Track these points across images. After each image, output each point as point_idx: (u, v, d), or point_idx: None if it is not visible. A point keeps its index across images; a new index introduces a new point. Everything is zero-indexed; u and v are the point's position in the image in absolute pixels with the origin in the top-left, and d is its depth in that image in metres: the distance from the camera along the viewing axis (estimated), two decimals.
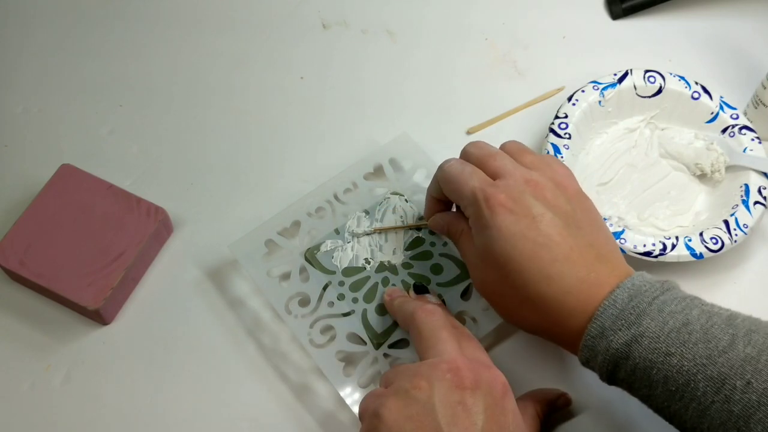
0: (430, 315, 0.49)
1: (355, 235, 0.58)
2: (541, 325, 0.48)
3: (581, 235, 0.47)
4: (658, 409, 0.45)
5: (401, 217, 0.60)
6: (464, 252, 0.51)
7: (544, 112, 0.68)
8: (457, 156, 0.53)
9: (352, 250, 0.58)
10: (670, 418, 0.45)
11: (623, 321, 0.44)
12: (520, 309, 0.48)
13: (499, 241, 0.47)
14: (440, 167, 0.52)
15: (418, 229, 0.59)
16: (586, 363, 0.47)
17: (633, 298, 0.45)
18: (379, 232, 0.58)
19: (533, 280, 0.46)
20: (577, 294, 0.46)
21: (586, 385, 0.55)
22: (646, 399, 0.45)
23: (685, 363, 0.43)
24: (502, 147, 0.52)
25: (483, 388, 0.43)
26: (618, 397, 0.55)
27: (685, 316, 0.44)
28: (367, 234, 0.59)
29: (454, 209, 0.55)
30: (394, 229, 0.59)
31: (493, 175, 0.49)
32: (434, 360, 0.45)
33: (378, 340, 0.55)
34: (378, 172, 0.62)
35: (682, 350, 0.43)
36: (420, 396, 0.43)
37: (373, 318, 0.56)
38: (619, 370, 0.45)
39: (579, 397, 0.54)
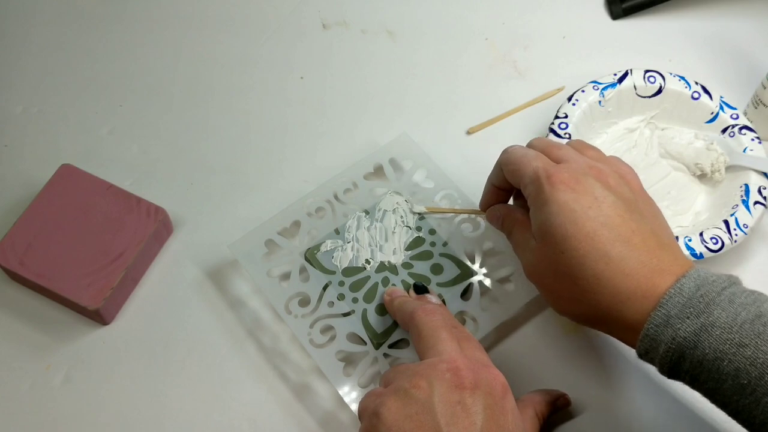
0: (430, 315, 0.49)
1: (414, 213, 0.60)
2: (594, 313, 0.46)
3: (644, 222, 0.46)
4: (724, 404, 0.43)
5: (401, 217, 0.60)
6: (517, 241, 0.50)
7: (544, 112, 0.68)
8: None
9: (352, 250, 0.58)
10: (736, 414, 0.43)
11: (691, 309, 0.43)
12: (572, 294, 0.46)
13: (558, 217, 0.46)
14: (504, 151, 0.51)
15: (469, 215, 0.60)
16: (645, 354, 0.45)
17: (700, 287, 0.43)
18: (430, 213, 0.59)
19: (591, 259, 0.45)
20: (637, 277, 0.44)
21: (586, 386, 0.55)
22: (712, 393, 0.44)
23: (761, 355, 0.41)
24: (567, 143, 0.52)
25: (482, 388, 0.43)
26: (617, 397, 0.55)
27: (758, 308, 0.43)
28: (420, 213, 0.60)
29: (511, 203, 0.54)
30: (447, 211, 0.59)
31: (557, 161, 0.49)
32: (434, 360, 0.45)
33: (378, 340, 0.55)
34: (378, 172, 0.62)
35: (756, 342, 0.41)
36: (419, 395, 0.43)
37: (373, 318, 0.56)
38: (683, 362, 0.43)
39: (579, 397, 0.54)
